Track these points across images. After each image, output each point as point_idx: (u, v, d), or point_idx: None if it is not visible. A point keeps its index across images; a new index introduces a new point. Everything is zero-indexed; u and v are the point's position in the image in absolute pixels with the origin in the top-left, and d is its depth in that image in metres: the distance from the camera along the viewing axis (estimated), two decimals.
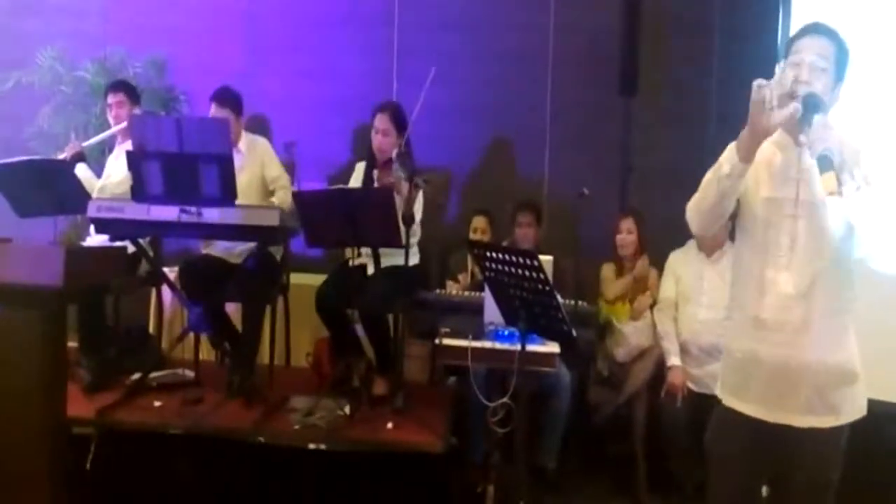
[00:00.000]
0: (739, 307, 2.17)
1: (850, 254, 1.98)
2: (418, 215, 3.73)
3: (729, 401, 2.18)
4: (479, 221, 4.40)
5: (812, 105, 1.88)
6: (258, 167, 4.00)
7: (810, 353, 2.02)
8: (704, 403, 3.60)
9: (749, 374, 2.11)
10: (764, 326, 2.06)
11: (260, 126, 4.42)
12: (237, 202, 3.38)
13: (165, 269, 3.99)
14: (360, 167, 4.03)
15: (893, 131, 3.38)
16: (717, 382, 2.26)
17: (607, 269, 4.13)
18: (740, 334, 2.15)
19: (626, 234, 4.06)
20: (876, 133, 2.09)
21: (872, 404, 2.16)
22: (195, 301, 3.74)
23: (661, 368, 3.80)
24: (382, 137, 3.85)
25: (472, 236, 4.34)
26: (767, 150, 2.07)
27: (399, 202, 3.49)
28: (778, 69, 1.97)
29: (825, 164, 1.84)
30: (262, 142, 4.11)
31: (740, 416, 2.13)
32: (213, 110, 3.95)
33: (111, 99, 4.14)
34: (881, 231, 1.91)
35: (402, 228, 3.42)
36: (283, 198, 3.89)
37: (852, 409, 2.08)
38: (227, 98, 3.97)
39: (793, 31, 3.61)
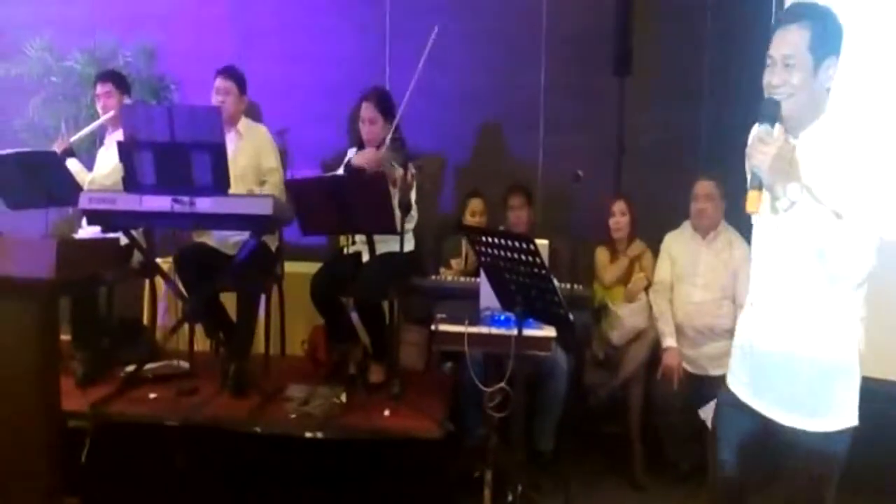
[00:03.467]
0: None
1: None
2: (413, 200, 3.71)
3: (734, 385, 2.16)
4: (476, 204, 4.35)
5: (765, 113, 1.89)
6: (255, 154, 3.96)
7: (799, 348, 1.97)
8: (700, 384, 3.63)
9: (747, 361, 2.11)
10: (757, 314, 2.06)
11: (252, 113, 4.38)
12: (231, 188, 3.35)
13: (158, 260, 3.97)
14: (353, 153, 4.00)
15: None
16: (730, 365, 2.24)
17: (601, 253, 4.12)
18: (744, 320, 2.14)
19: (620, 217, 4.04)
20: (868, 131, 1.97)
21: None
22: (190, 290, 3.72)
23: (656, 350, 3.79)
24: (370, 126, 3.82)
25: (469, 219, 4.30)
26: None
27: (391, 188, 3.46)
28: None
29: (754, 181, 1.85)
30: (262, 129, 4.06)
31: (739, 401, 2.12)
32: (218, 82, 3.94)
33: (99, 89, 4.11)
34: (848, 256, 1.81)
35: (398, 215, 3.40)
36: (269, 191, 3.83)
37: (843, 415, 1.97)
38: (233, 73, 3.97)
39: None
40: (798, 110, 1.90)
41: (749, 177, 1.86)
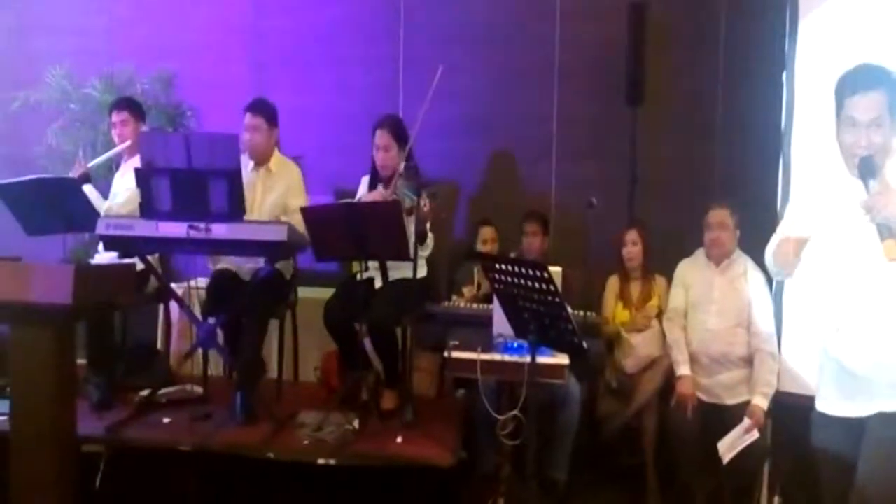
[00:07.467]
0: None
1: None
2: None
3: (825, 406, 2.39)
4: (487, 232, 4.38)
5: (867, 170, 2.08)
6: (285, 192, 3.95)
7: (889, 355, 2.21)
8: (714, 413, 3.61)
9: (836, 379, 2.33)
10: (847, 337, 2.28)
11: None
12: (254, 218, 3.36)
13: (173, 286, 4.00)
14: (366, 181, 4.03)
15: None
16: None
17: (612, 284, 4.12)
18: (831, 344, 2.35)
19: (632, 246, 4.04)
20: None
21: None
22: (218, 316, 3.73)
23: (670, 378, 3.76)
24: (384, 153, 3.85)
25: (480, 247, 4.33)
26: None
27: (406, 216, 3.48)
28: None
29: (884, 231, 1.96)
30: (294, 169, 4.05)
31: (831, 418, 2.35)
32: (247, 119, 3.93)
33: (115, 117, 4.15)
34: None
35: (412, 243, 3.44)
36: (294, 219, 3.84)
37: None
38: (262, 107, 3.97)
39: (800, 41, 3.64)
40: (878, 162, 2.13)
41: (878, 230, 2.00)
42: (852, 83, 2.18)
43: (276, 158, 4.03)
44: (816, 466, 2.44)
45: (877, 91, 2.14)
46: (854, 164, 2.16)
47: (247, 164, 3.93)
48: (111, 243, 3.47)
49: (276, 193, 3.94)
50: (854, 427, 2.27)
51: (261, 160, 3.97)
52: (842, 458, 2.30)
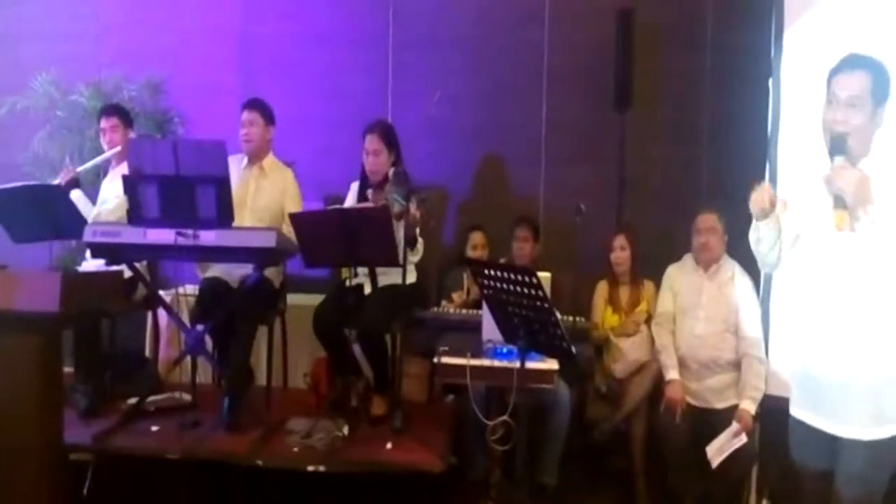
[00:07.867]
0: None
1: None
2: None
3: (797, 412, 2.40)
4: (477, 237, 4.39)
5: (836, 147, 2.12)
6: (279, 195, 3.95)
7: (860, 365, 2.20)
8: (703, 417, 3.62)
9: (806, 385, 2.36)
10: (815, 337, 2.31)
11: None
12: (249, 223, 3.35)
13: (161, 293, 3.98)
14: (355, 186, 4.04)
15: None
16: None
17: (601, 289, 4.13)
18: (799, 346, 2.39)
19: (620, 251, 4.06)
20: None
21: None
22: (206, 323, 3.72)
23: (659, 383, 3.77)
24: (374, 158, 3.86)
25: (470, 252, 4.33)
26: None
27: (395, 222, 3.48)
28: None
29: (838, 202, 2.03)
30: (289, 173, 4.06)
31: (806, 426, 2.35)
32: (244, 115, 3.96)
33: (104, 123, 4.14)
34: None
35: (404, 249, 3.45)
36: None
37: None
38: (259, 104, 4.00)
39: (786, 47, 3.68)
40: (855, 147, 2.14)
41: (833, 200, 2.07)
42: (840, 64, 2.20)
43: (270, 160, 4.05)
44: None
45: (861, 70, 2.15)
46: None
47: (240, 163, 3.95)
48: (98, 250, 3.45)
49: (268, 197, 3.94)
50: (829, 441, 2.27)
51: (255, 156, 3.98)
52: (819, 469, 2.33)
